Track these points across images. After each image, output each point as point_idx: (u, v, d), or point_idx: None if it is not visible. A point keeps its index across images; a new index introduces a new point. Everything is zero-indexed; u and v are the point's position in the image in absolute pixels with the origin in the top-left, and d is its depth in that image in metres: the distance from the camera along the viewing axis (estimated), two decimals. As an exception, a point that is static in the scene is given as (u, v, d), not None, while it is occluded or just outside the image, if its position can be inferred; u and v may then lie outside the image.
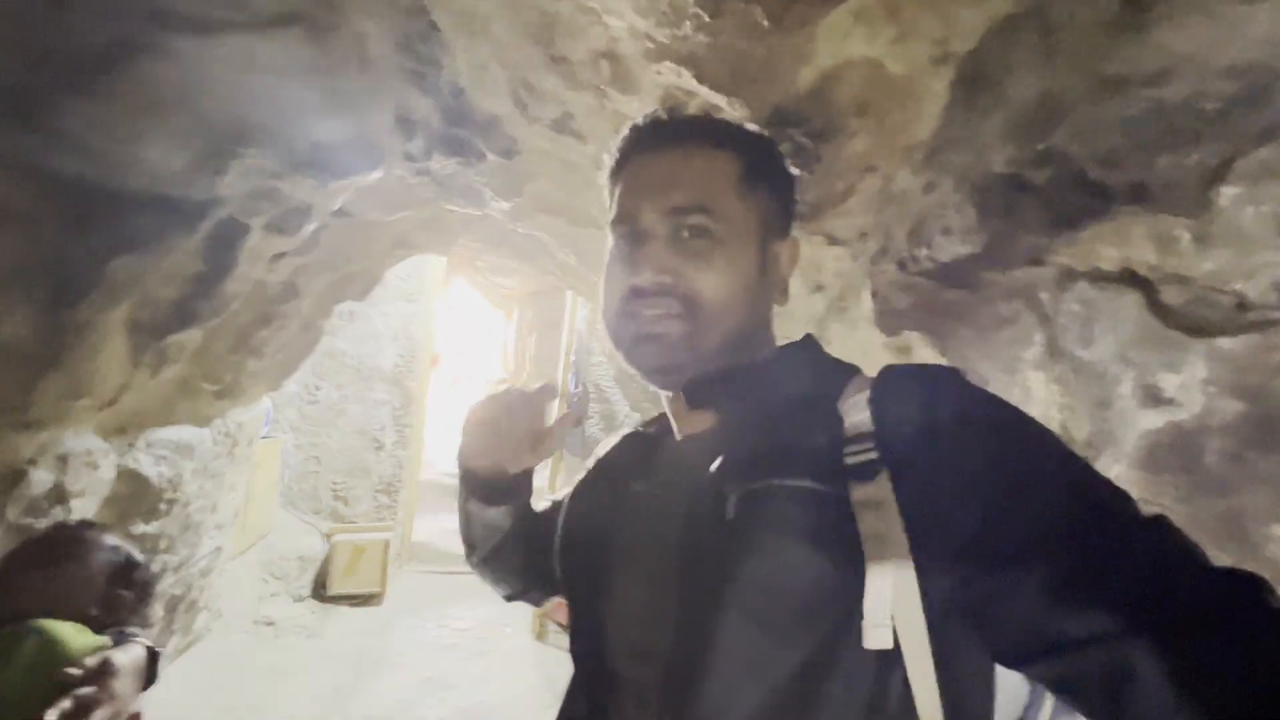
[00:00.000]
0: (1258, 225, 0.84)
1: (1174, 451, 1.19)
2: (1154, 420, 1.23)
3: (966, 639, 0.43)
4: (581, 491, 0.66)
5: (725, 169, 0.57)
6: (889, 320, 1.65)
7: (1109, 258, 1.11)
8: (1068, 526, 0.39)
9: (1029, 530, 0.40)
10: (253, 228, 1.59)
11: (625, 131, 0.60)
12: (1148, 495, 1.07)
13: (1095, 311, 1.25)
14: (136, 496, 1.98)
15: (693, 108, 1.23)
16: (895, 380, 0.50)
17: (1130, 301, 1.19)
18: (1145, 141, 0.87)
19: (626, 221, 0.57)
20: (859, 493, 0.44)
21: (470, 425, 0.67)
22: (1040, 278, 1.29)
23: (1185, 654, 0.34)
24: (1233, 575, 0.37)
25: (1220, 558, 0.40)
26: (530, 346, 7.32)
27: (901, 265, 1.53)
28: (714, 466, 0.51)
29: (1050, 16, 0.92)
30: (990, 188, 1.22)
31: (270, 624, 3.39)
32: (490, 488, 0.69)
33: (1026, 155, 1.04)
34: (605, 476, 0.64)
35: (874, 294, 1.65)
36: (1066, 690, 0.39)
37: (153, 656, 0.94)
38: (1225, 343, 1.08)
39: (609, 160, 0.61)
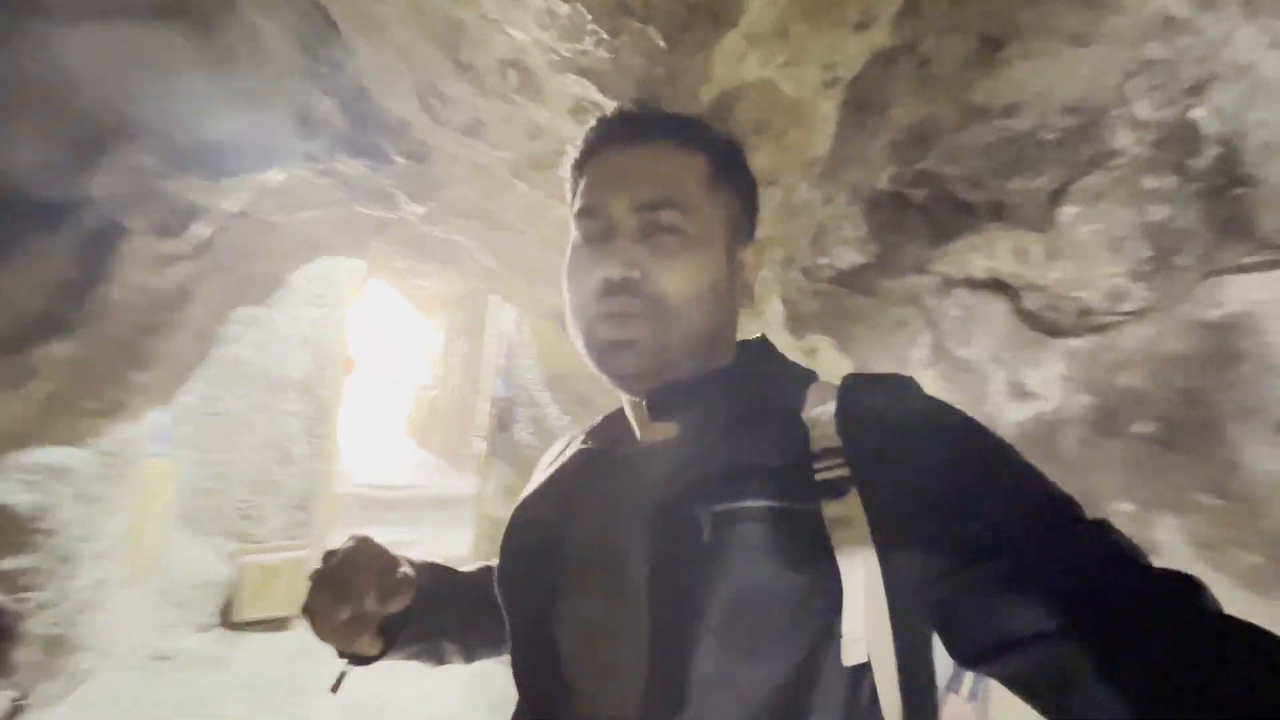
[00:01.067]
0: (1092, 241, 0.96)
1: (1037, 440, 1.33)
2: (1021, 412, 1.37)
3: (925, 643, 0.45)
4: (530, 505, 0.62)
5: (695, 167, 0.55)
6: (797, 324, 1.75)
7: (979, 267, 1.23)
8: (1018, 529, 0.40)
9: (984, 534, 0.41)
10: (132, 230, 1.47)
11: (593, 124, 0.58)
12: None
13: (972, 315, 1.38)
14: (-1, 528, 1.78)
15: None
16: (859, 393, 0.50)
17: (999, 307, 1.32)
18: (1001, 165, 0.97)
19: (594, 214, 0.54)
20: (831, 509, 0.45)
21: (313, 595, 0.55)
22: (925, 285, 1.41)
23: (1123, 653, 0.35)
24: (1169, 576, 0.37)
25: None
26: (458, 351, 7.12)
27: (806, 273, 1.62)
28: (683, 481, 0.50)
29: (921, 50, 1.01)
30: (879, 202, 1.31)
31: (167, 658, 3.12)
32: (357, 658, 0.61)
33: (906, 174, 1.14)
34: (555, 488, 0.61)
35: (784, 300, 1.74)
36: (1021, 689, 0.39)
37: (14, 709, 0.85)
38: (1074, 343, 1.23)
39: (573, 152, 0.59)
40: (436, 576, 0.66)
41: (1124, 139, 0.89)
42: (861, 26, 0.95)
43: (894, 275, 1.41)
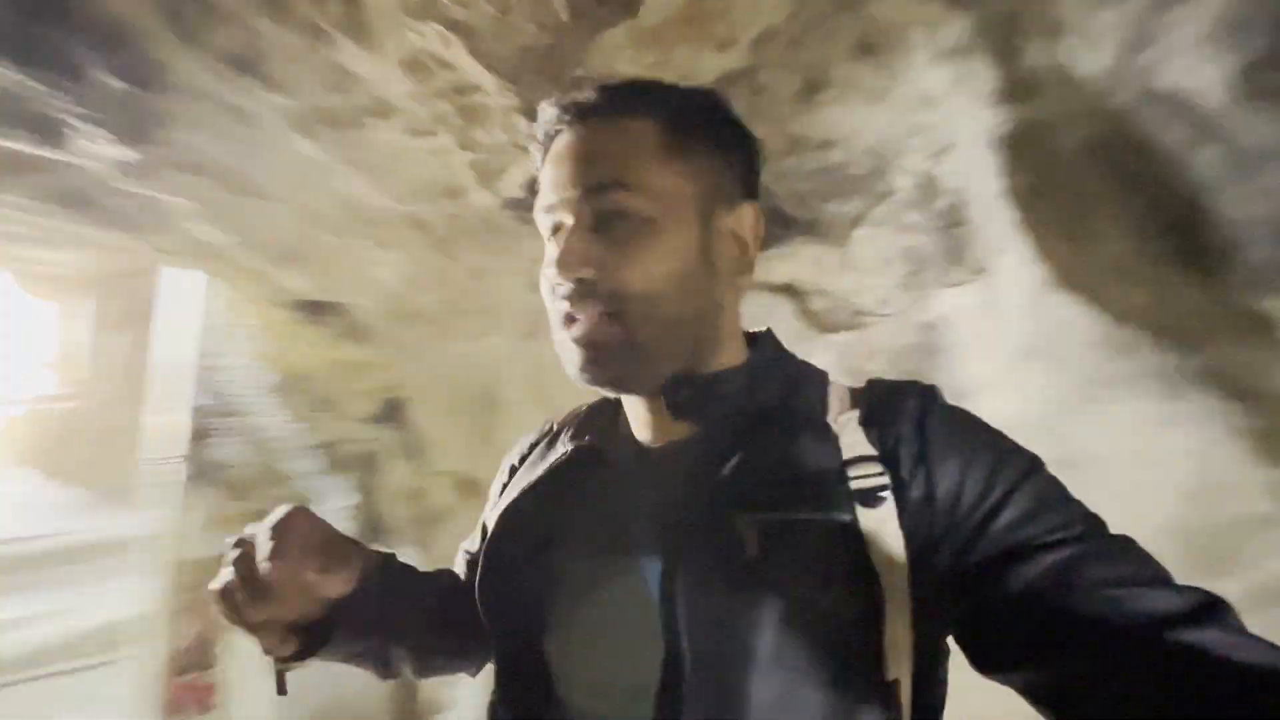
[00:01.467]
0: (874, 258, 1.23)
1: None
2: None
3: (941, 660, 0.45)
4: (519, 508, 0.55)
5: (641, 135, 0.49)
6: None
7: (781, 272, 1.46)
8: (1048, 539, 0.40)
9: (1015, 543, 0.40)
10: None
11: (544, 111, 0.52)
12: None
13: (764, 314, 1.63)
14: None
15: (443, 81, 1.10)
16: (886, 398, 0.48)
17: (787, 308, 1.58)
18: (822, 189, 1.18)
19: (548, 209, 0.50)
20: (868, 519, 0.43)
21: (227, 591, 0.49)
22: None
23: (1147, 668, 0.34)
24: (1195, 594, 0.37)
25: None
26: (111, 349, 5.31)
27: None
28: (712, 488, 0.46)
29: (758, 80, 1.15)
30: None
31: None
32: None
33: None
34: (548, 489, 0.55)
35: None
36: (1040, 699, 0.39)
37: None
38: (838, 337, 1.55)
39: (537, 144, 0.54)
40: (387, 566, 0.58)
41: (900, 181, 1.16)
42: (722, 46, 1.04)
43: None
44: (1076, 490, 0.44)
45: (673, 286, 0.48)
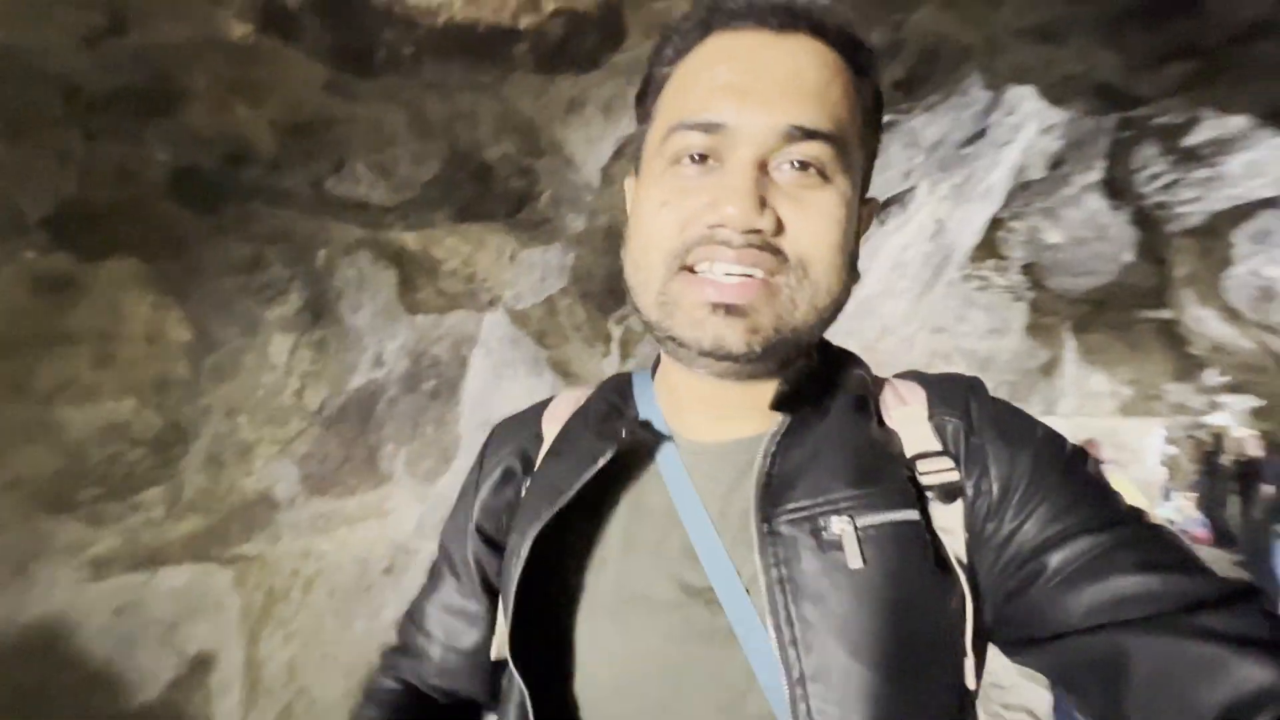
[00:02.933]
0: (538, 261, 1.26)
1: (362, 401, 1.63)
2: (363, 379, 1.65)
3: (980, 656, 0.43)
4: (558, 534, 0.46)
5: (859, 91, 0.43)
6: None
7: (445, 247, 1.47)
8: (1094, 524, 0.39)
9: (1063, 527, 0.39)
10: None
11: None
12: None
13: (365, 280, 1.54)
14: None
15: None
16: (942, 392, 0.46)
17: (387, 277, 1.56)
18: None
19: (711, 128, 0.40)
20: (941, 517, 0.41)
21: None
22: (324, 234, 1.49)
23: (1181, 652, 0.34)
24: (1230, 583, 0.37)
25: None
26: None
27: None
28: (795, 493, 0.41)
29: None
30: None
31: None
32: None
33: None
34: (592, 507, 0.47)
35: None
36: (1065, 680, 0.39)
37: None
38: (423, 319, 1.56)
39: (672, 32, 0.45)
40: None
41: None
42: None
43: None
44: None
45: (842, 265, 0.42)
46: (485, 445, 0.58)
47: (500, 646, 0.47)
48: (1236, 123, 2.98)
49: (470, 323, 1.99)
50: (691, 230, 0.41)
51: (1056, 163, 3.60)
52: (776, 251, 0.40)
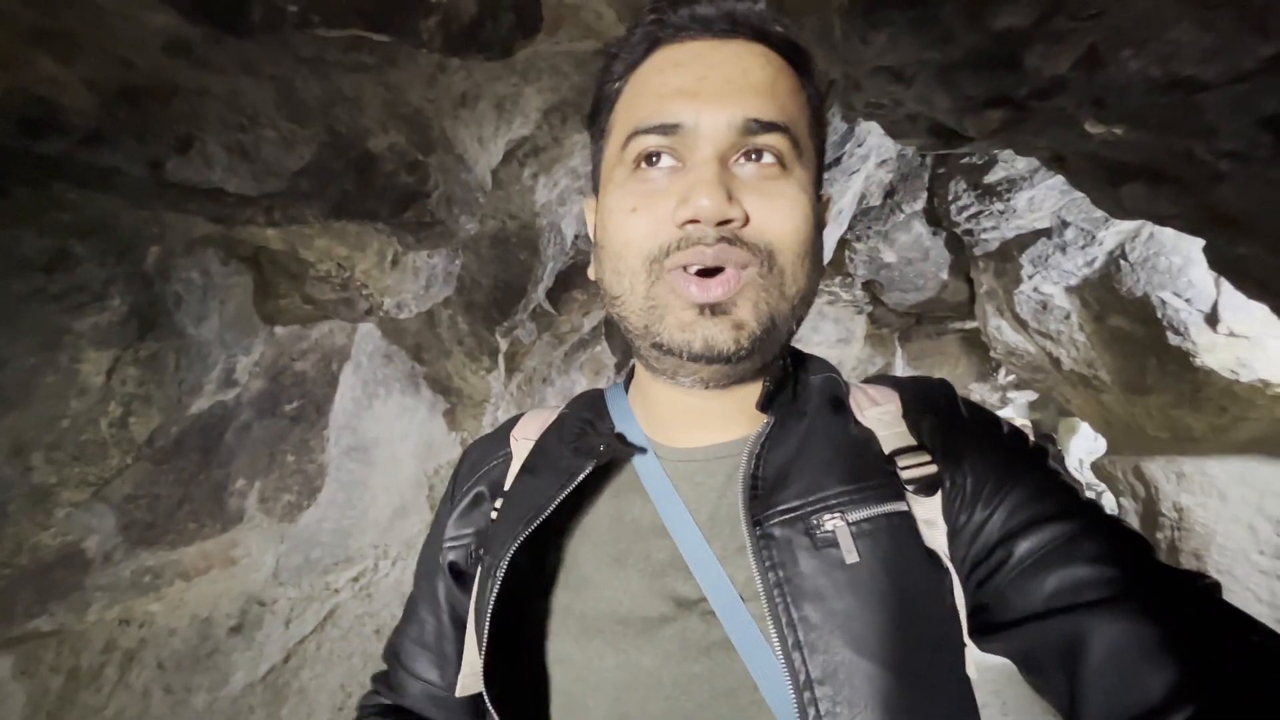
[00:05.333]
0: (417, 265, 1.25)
1: (208, 429, 1.46)
2: (209, 401, 1.44)
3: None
4: (537, 553, 0.45)
5: (803, 90, 0.44)
6: None
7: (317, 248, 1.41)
8: (1057, 513, 0.41)
9: (1030, 516, 0.41)
10: None
11: (649, 12, 0.44)
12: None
13: (213, 287, 1.36)
14: None
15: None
16: (916, 393, 0.48)
17: (242, 282, 1.42)
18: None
19: (670, 130, 0.41)
20: (923, 510, 0.42)
21: None
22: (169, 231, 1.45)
23: (1139, 635, 0.35)
24: (1190, 575, 0.39)
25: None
26: None
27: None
28: (785, 494, 0.41)
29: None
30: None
31: None
32: None
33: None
34: (571, 524, 0.46)
35: None
36: (1027, 663, 0.40)
37: None
38: (281, 331, 1.53)
39: (618, 49, 0.45)
40: None
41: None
42: None
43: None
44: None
45: (813, 254, 0.42)
46: (456, 470, 0.56)
47: (470, 681, 0.45)
48: (1022, 165, 3.63)
49: (341, 335, 1.77)
50: (665, 231, 0.40)
51: (889, 192, 4.12)
52: (745, 244, 0.39)
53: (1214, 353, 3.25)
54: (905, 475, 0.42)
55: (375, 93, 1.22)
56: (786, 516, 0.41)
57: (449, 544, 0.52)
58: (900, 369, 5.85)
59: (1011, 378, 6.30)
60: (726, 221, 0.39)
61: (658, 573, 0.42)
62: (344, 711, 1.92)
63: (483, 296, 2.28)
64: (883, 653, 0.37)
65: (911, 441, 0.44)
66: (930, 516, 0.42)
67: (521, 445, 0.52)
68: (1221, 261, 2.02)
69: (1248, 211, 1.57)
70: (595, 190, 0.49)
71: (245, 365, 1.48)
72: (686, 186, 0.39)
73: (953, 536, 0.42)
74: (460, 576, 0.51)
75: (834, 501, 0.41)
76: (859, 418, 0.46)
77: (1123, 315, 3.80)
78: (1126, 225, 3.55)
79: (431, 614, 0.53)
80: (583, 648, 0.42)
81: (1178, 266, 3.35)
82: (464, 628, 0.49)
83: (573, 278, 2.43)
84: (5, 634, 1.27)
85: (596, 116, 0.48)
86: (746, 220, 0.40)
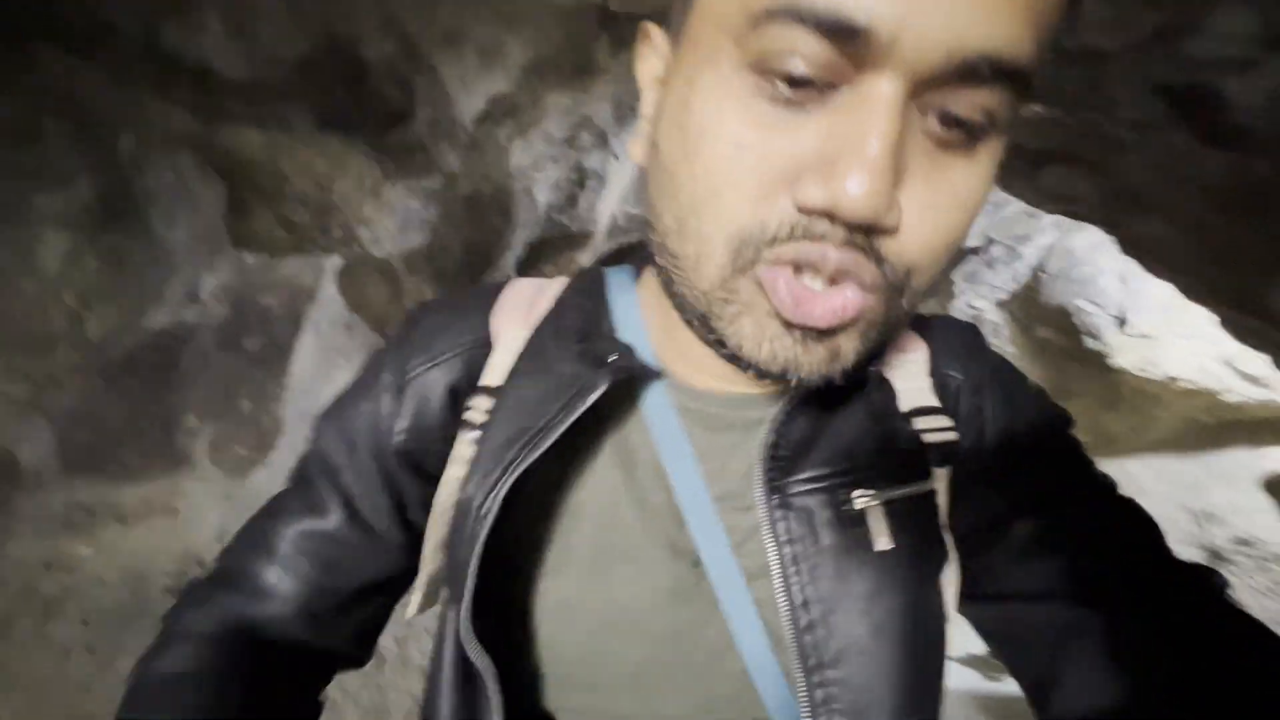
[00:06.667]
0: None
1: (163, 349, 1.41)
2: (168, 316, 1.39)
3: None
4: (541, 485, 0.38)
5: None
6: None
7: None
8: (1062, 491, 0.38)
9: (1035, 491, 0.38)
10: None
11: None
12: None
13: (186, 190, 1.29)
14: None
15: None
16: (948, 339, 0.42)
17: (218, 192, 1.37)
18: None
19: (844, 35, 0.23)
20: (937, 478, 0.38)
21: None
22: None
23: (1127, 628, 0.33)
24: (1193, 568, 0.36)
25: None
26: None
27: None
28: (810, 461, 0.37)
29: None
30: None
31: None
32: None
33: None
34: (577, 454, 0.39)
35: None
36: (1000, 639, 0.39)
37: None
38: (249, 258, 1.50)
39: None
40: None
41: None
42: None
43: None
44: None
45: (955, 254, 0.30)
46: (404, 337, 0.44)
47: (426, 600, 0.42)
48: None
49: (309, 273, 1.73)
50: (778, 207, 0.26)
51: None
52: (882, 259, 0.27)
53: (1125, 353, 3.57)
54: (924, 439, 0.38)
55: (372, 7, 1.26)
56: (811, 487, 0.36)
57: (407, 429, 0.41)
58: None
59: None
60: (872, 225, 0.26)
61: (656, 517, 0.38)
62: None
63: (452, 264, 2.28)
64: (899, 636, 0.35)
65: (934, 401, 0.39)
66: (938, 486, 0.38)
67: (510, 332, 0.42)
68: (1131, 243, 2.26)
69: (1150, 185, 1.78)
70: (663, 25, 0.33)
71: (210, 286, 1.43)
72: (836, 141, 0.25)
73: (955, 504, 0.39)
74: (418, 469, 0.42)
75: (866, 476, 0.37)
76: (882, 368, 0.40)
77: (1046, 325, 4.13)
78: (1044, 240, 3.93)
79: (352, 502, 0.42)
80: (571, 584, 0.38)
81: (1089, 275, 3.71)
82: (407, 530, 0.43)
83: (543, 251, 2.47)
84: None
85: None
86: (898, 226, 0.26)
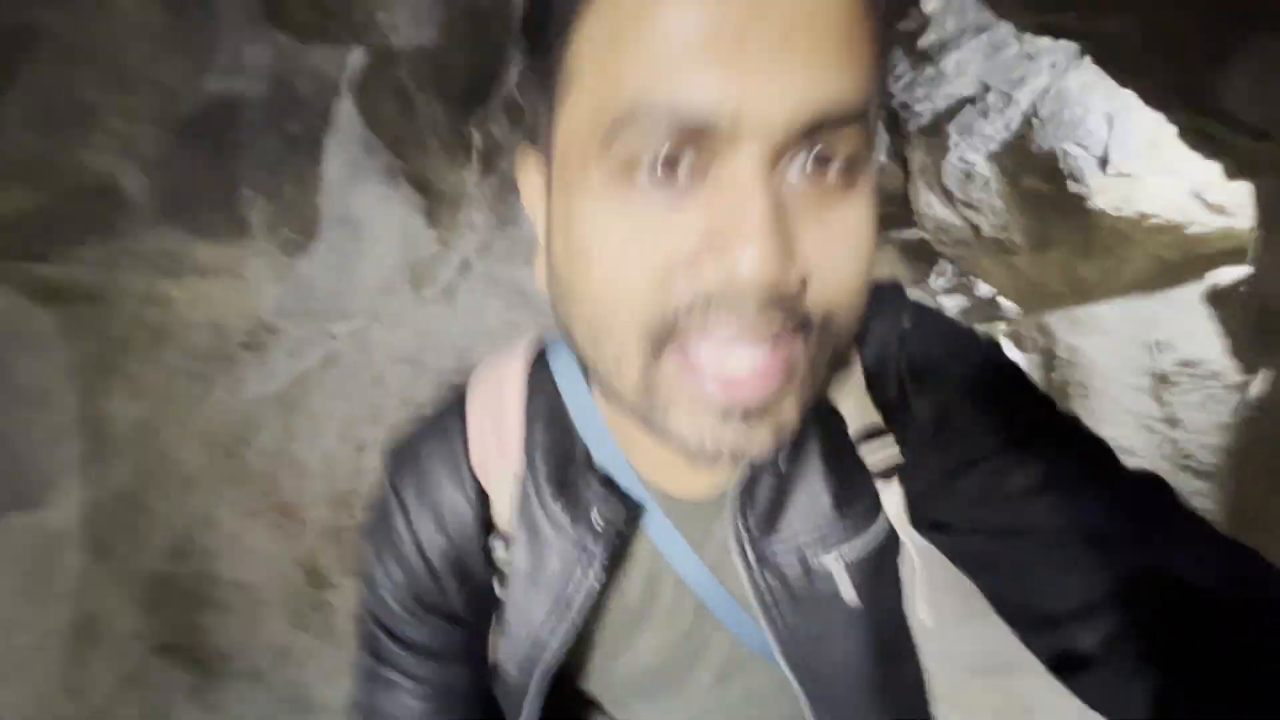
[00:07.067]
0: None
1: (228, 116, 1.77)
2: (220, 84, 1.76)
3: None
4: (538, 607, 0.43)
5: (877, 40, 0.27)
6: None
7: None
8: (1014, 434, 0.38)
9: (978, 449, 0.38)
10: None
11: None
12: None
13: None
14: None
15: None
16: (878, 348, 0.42)
17: None
18: None
19: (690, 131, 0.25)
20: (884, 493, 0.41)
21: None
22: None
23: (1095, 541, 0.34)
24: (1146, 478, 0.36)
25: None
26: None
27: None
28: (783, 528, 0.41)
29: None
30: None
31: None
32: None
33: None
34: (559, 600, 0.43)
35: None
36: (964, 566, 0.39)
37: None
38: (283, 39, 1.75)
39: None
40: None
41: None
42: None
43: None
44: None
45: (867, 285, 0.30)
46: (404, 502, 0.44)
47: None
48: (951, 26, 3.95)
49: (333, 63, 1.89)
50: (678, 290, 0.27)
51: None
52: (797, 311, 0.27)
53: (1104, 194, 3.73)
54: (870, 463, 0.40)
55: None
56: (782, 547, 0.41)
57: (445, 551, 0.44)
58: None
59: (943, 280, 6.84)
60: (775, 289, 0.26)
61: (682, 627, 0.45)
62: (347, 439, 2.13)
63: (456, 87, 2.42)
64: (876, 677, 0.42)
65: (877, 420, 0.40)
66: (890, 495, 0.41)
67: (497, 480, 0.43)
68: (1100, 52, 2.36)
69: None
70: (536, 146, 0.33)
71: (251, 56, 1.61)
72: (716, 220, 0.26)
73: (908, 490, 0.41)
74: (461, 578, 0.44)
75: (828, 537, 0.41)
76: (830, 396, 0.41)
77: (1034, 174, 4.25)
78: (1039, 83, 3.96)
79: (412, 653, 0.45)
80: (621, 705, 0.47)
81: (1079, 118, 3.79)
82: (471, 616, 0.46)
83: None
84: (49, 251, 1.40)
85: (541, 28, 0.29)
86: (804, 281, 0.27)
